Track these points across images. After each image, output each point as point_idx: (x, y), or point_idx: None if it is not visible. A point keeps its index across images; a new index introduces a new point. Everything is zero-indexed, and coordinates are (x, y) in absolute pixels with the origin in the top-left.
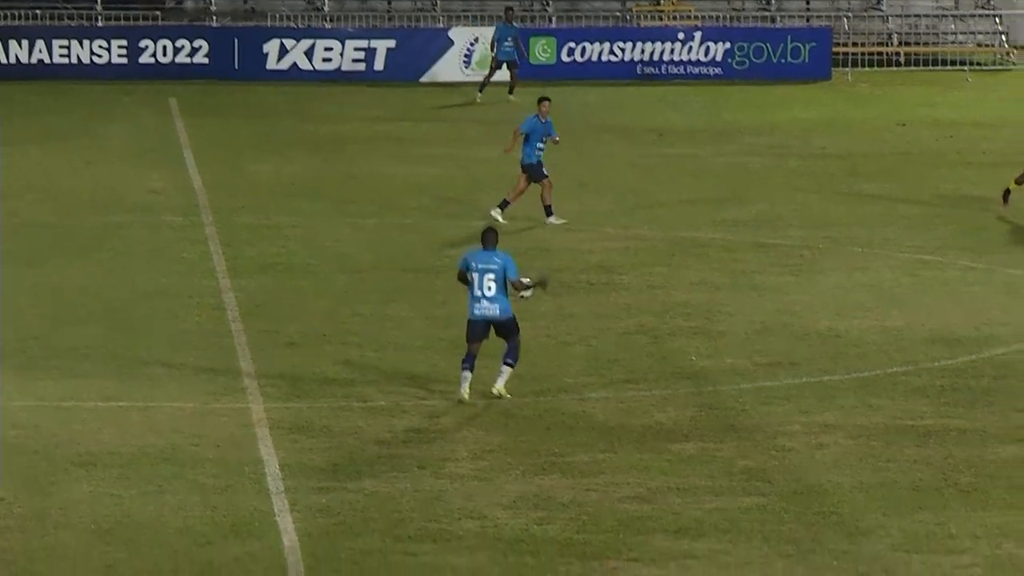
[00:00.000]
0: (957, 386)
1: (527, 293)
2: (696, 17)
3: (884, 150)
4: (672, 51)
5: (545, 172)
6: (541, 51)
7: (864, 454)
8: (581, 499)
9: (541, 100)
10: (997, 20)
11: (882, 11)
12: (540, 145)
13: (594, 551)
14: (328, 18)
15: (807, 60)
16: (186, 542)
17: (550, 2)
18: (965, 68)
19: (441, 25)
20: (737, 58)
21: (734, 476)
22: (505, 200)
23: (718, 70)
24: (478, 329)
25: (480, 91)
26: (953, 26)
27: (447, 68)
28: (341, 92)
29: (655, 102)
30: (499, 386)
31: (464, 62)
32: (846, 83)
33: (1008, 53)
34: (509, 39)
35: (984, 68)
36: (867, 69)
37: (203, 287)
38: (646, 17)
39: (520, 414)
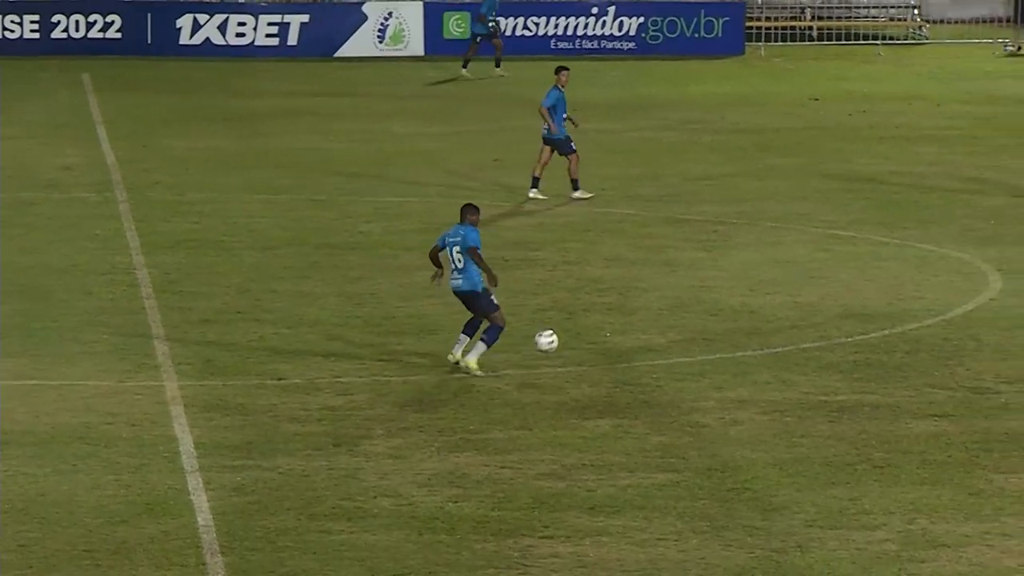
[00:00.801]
0: (870, 361)
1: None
2: None
3: (797, 125)
4: (586, 26)
5: (573, 146)
6: (455, 26)
7: (778, 430)
8: (496, 476)
9: (560, 69)
10: None
11: None
12: (565, 115)
13: (509, 528)
14: None
15: (721, 35)
16: (100, 521)
17: None
18: (878, 42)
19: (355, 0)
20: (651, 33)
21: (648, 452)
22: (535, 177)
23: (632, 45)
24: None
25: (496, 66)
26: (866, 0)
27: (361, 43)
28: (255, 67)
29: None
30: (468, 359)
31: (378, 37)
32: (759, 58)
33: (921, 27)
34: (493, 13)
35: (897, 42)
36: (780, 44)
37: (116, 263)
38: None
39: (434, 391)
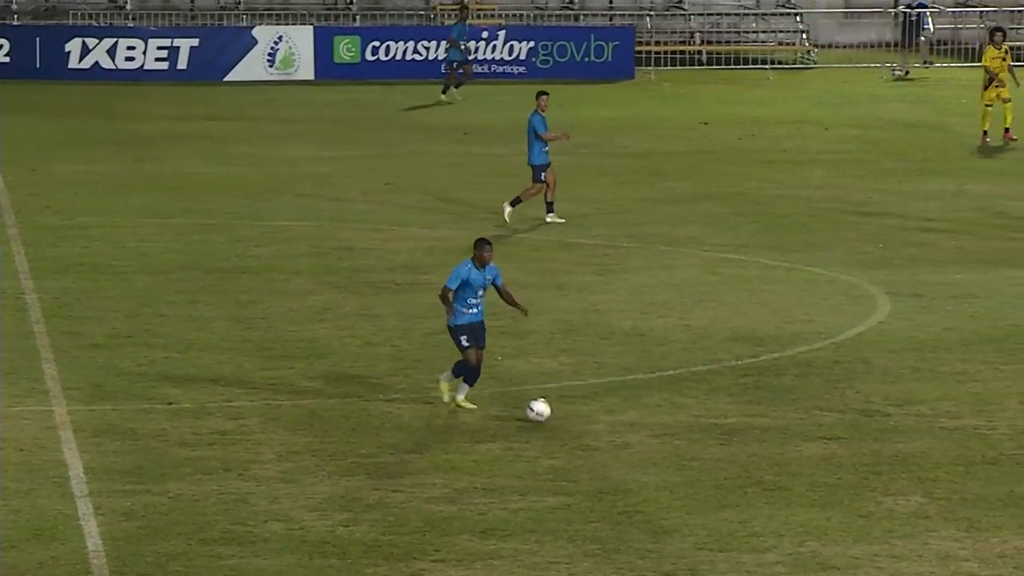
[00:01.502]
0: (760, 384)
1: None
2: (500, 16)
3: (687, 149)
4: (477, 50)
5: (542, 176)
6: (345, 50)
7: (668, 453)
8: (387, 500)
9: (540, 95)
10: (798, 19)
11: (684, 10)
12: (546, 146)
13: (400, 552)
14: (130, 16)
15: (611, 59)
16: None
17: (354, 1)
18: (767, 67)
19: (245, 24)
20: (541, 57)
21: (539, 476)
22: (548, 202)
23: (522, 69)
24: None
25: (455, 88)
26: (755, 25)
27: (251, 67)
28: (145, 91)
29: (460, 101)
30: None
31: (268, 61)
32: (649, 82)
33: (809, 51)
34: (466, 38)
35: (786, 66)
36: (670, 68)
37: (5, 288)
38: (450, 16)
39: (326, 415)
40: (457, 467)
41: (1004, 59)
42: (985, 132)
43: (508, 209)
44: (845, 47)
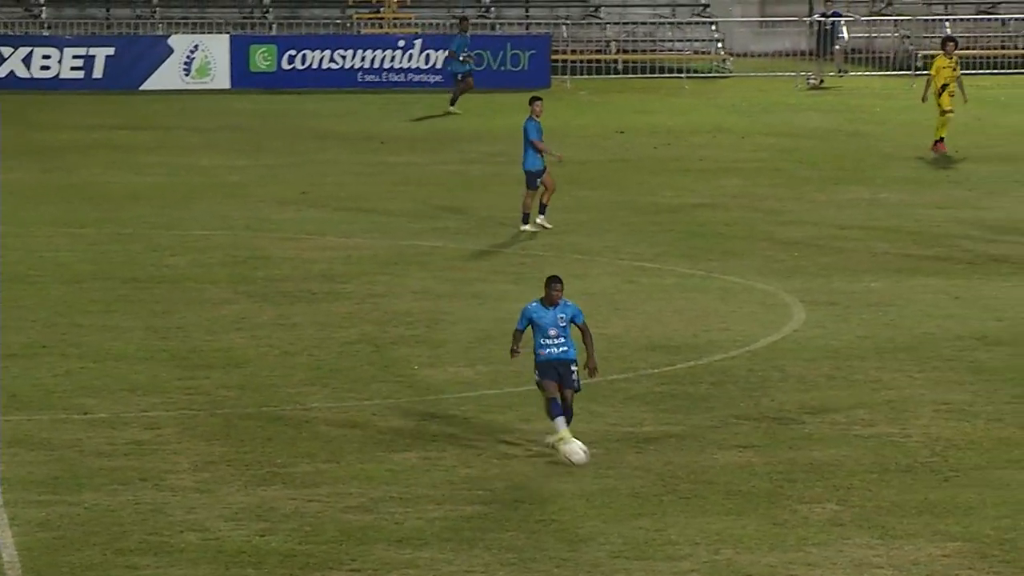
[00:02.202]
0: (676, 393)
1: None
2: (416, 25)
3: (603, 157)
4: (393, 59)
5: (537, 182)
6: (262, 59)
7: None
8: (303, 510)
9: (534, 100)
10: (713, 28)
11: (600, 19)
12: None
13: (316, 562)
14: (46, 25)
15: (527, 68)
16: None
17: (270, 9)
18: (683, 75)
19: (160, 33)
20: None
21: (456, 485)
22: (543, 204)
23: (439, 78)
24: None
25: (452, 104)
26: (670, 34)
27: (167, 76)
28: (60, 100)
29: (376, 111)
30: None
31: (184, 70)
32: (565, 90)
33: (725, 60)
34: (466, 50)
35: (701, 75)
36: (586, 77)
37: None
38: (367, 25)
39: (242, 425)
40: (373, 476)
41: (954, 69)
42: (942, 139)
43: (539, 220)
44: (760, 56)
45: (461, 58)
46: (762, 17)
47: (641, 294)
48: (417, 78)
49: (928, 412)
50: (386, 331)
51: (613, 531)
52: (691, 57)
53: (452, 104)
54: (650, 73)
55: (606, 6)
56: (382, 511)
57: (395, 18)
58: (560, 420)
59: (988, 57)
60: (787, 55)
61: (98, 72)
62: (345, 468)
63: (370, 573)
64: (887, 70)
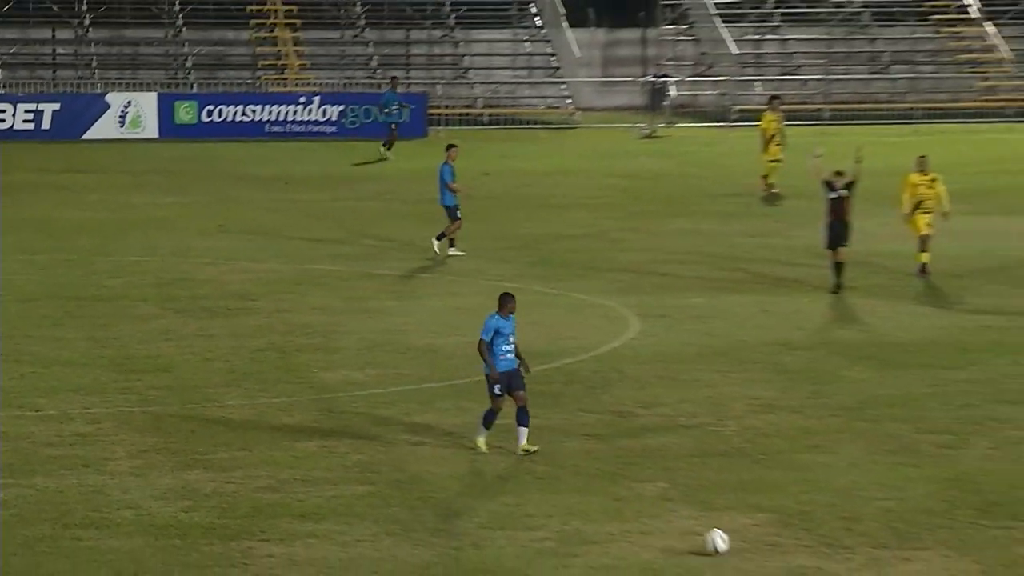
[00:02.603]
0: (533, 391)
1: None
2: (315, 84)
3: (473, 195)
4: (295, 113)
5: (459, 215)
6: (184, 113)
7: (456, 448)
8: (221, 490)
9: (450, 147)
10: (563, 87)
11: (469, 80)
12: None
13: (232, 533)
14: (1, 84)
15: (407, 120)
16: None
17: (191, 71)
18: (538, 126)
19: (99, 91)
20: (350, 119)
21: (349, 468)
22: (442, 233)
23: (334, 129)
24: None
25: (387, 148)
26: (528, 91)
27: (105, 127)
28: (13, 148)
29: (282, 156)
30: (524, 444)
31: (119, 122)
32: (440, 139)
33: (573, 113)
34: (395, 104)
35: (554, 126)
36: (458, 127)
37: None
38: (273, 84)
39: (169, 419)
40: (279, 462)
41: (779, 122)
42: (772, 184)
43: (436, 243)
44: (602, 110)
45: (387, 111)
46: (604, 77)
47: None
48: (316, 129)
49: (741, 406)
50: (290, 340)
51: (480, 506)
52: (545, 111)
53: (387, 149)
54: (511, 124)
55: (474, 68)
56: (287, 491)
57: (297, 79)
58: (486, 433)
59: (791, 111)
60: (625, 109)
61: (46, 124)
62: (256, 455)
63: (277, 542)
64: (708, 122)
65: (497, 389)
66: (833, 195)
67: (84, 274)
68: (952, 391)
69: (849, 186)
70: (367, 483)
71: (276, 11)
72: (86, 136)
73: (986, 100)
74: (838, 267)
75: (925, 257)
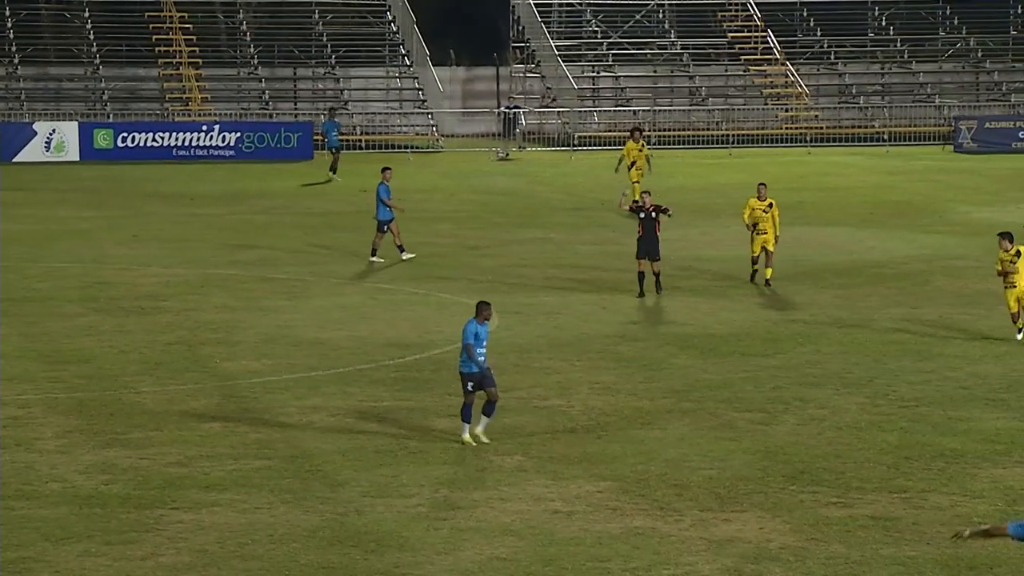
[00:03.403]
0: (406, 377)
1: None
2: (215, 114)
3: (352, 209)
4: (199, 139)
5: (385, 228)
6: (102, 139)
7: (341, 427)
8: (137, 465)
9: (385, 169)
10: (430, 116)
11: (348, 110)
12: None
13: (146, 503)
14: None
15: (296, 145)
16: None
17: (108, 103)
18: (408, 150)
19: (27, 120)
20: (246, 144)
21: (248, 446)
22: (399, 246)
23: (232, 152)
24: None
25: (334, 171)
26: (399, 120)
27: (32, 152)
28: None
29: (187, 176)
30: (479, 431)
31: (45, 147)
32: (325, 162)
33: (438, 139)
34: (335, 131)
35: (422, 150)
36: (341, 152)
37: None
38: (179, 114)
39: (92, 404)
40: (187, 440)
41: (641, 150)
42: (635, 200)
43: (373, 259)
44: (463, 136)
45: (333, 134)
46: (464, 108)
47: (381, 307)
48: (216, 152)
49: (585, 390)
50: (196, 335)
51: (362, 477)
52: (414, 137)
53: (333, 171)
54: (385, 149)
55: (352, 101)
56: (194, 465)
57: (200, 109)
58: (467, 426)
59: (621, 137)
60: (482, 136)
61: None
62: (166, 435)
63: (186, 510)
64: (553, 146)
65: (470, 386)
66: (642, 215)
67: (16, 278)
68: (764, 376)
69: (656, 209)
70: (264, 458)
71: (181, 51)
72: (16, 159)
73: (788, 128)
74: (642, 276)
75: (768, 272)
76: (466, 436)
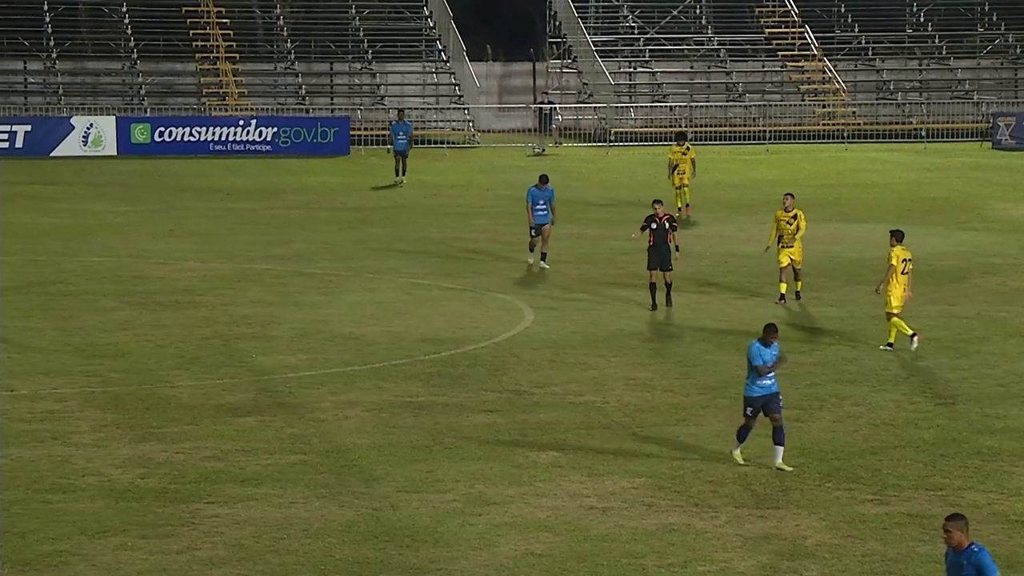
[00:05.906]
0: (441, 373)
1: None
2: (253, 109)
3: (387, 204)
4: (235, 133)
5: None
6: (140, 133)
7: (376, 422)
8: (172, 459)
9: (541, 176)
10: (466, 111)
11: (385, 106)
12: None
13: (182, 497)
14: None
15: (332, 140)
16: None
17: (145, 98)
18: (444, 146)
19: (65, 115)
20: (282, 139)
21: (283, 440)
22: (543, 252)
23: (268, 147)
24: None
25: (400, 175)
26: (435, 115)
27: (70, 146)
28: None
29: (223, 171)
30: (778, 463)
31: (83, 141)
32: (361, 157)
33: (474, 135)
34: (401, 133)
35: (457, 146)
36: (375, 147)
37: None
38: (216, 109)
39: (128, 398)
40: (223, 435)
41: (685, 153)
42: (679, 208)
43: (541, 264)
44: (499, 131)
45: (400, 139)
46: (500, 104)
47: (416, 302)
48: (253, 147)
49: (620, 385)
50: (232, 330)
51: (397, 472)
52: (450, 132)
53: (397, 174)
54: (421, 144)
55: (389, 96)
56: (230, 460)
57: (236, 104)
58: (740, 445)
59: (661, 133)
60: (518, 131)
61: (19, 143)
62: (202, 429)
63: (222, 504)
64: (589, 142)
65: (749, 411)
66: (654, 225)
67: (52, 272)
68: (800, 372)
69: (670, 219)
70: (299, 453)
71: (218, 46)
72: (54, 153)
73: (824, 124)
74: (654, 287)
75: (799, 285)
76: (736, 453)
